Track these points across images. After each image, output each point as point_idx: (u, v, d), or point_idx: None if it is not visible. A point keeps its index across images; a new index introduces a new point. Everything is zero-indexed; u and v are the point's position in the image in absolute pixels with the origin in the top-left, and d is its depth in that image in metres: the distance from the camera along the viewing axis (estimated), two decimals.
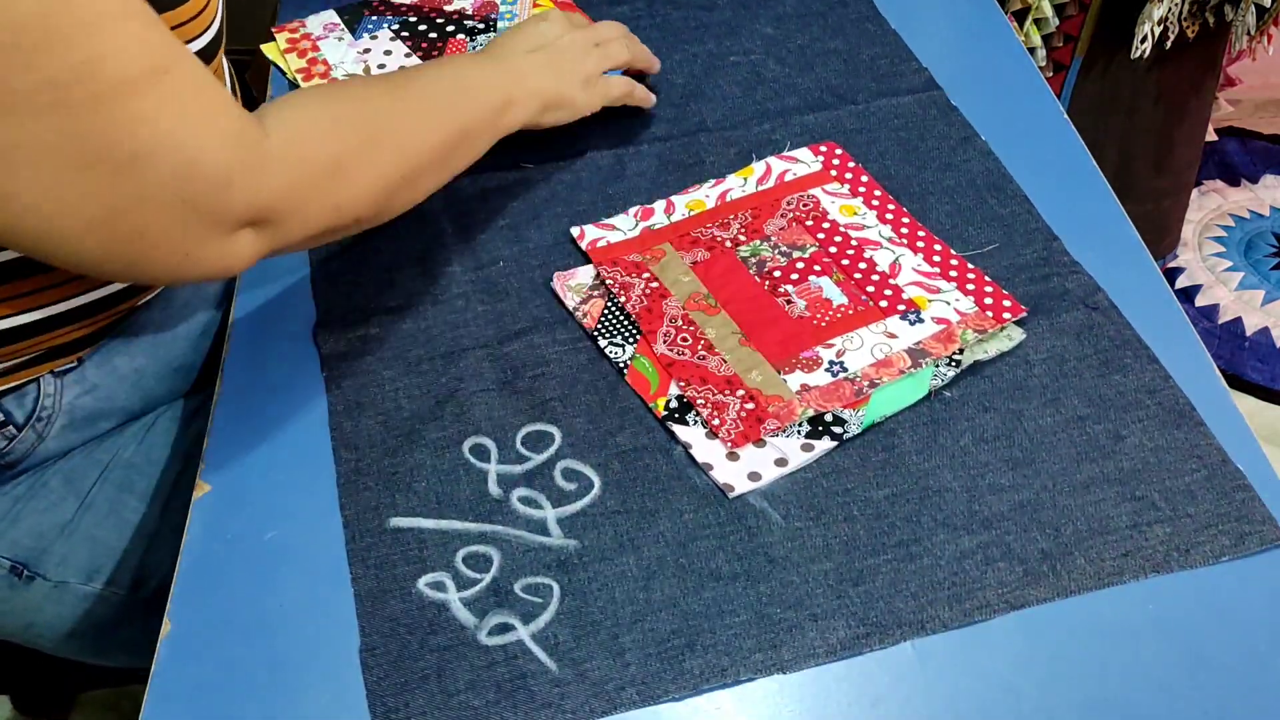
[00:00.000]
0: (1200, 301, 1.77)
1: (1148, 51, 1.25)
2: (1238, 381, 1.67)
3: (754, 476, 0.64)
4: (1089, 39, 1.30)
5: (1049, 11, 1.25)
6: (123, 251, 0.54)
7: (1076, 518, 0.62)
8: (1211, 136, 1.86)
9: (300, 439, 0.67)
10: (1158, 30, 1.24)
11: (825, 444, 0.66)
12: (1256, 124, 2.09)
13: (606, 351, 0.72)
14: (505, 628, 0.58)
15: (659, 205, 0.81)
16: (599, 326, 0.73)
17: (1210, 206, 1.94)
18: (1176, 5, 1.24)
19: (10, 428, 0.72)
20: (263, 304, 0.76)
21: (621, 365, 0.71)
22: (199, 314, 0.81)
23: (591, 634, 0.58)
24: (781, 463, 0.65)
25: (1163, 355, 0.69)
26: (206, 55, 0.66)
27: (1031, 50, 1.28)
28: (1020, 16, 1.26)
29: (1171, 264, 1.83)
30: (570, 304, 0.75)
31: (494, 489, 0.64)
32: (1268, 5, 1.27)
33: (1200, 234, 1.88)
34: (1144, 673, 0.55)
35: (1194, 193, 1.88)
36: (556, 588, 0.60)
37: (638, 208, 0.81)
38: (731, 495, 0.64)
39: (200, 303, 0.81)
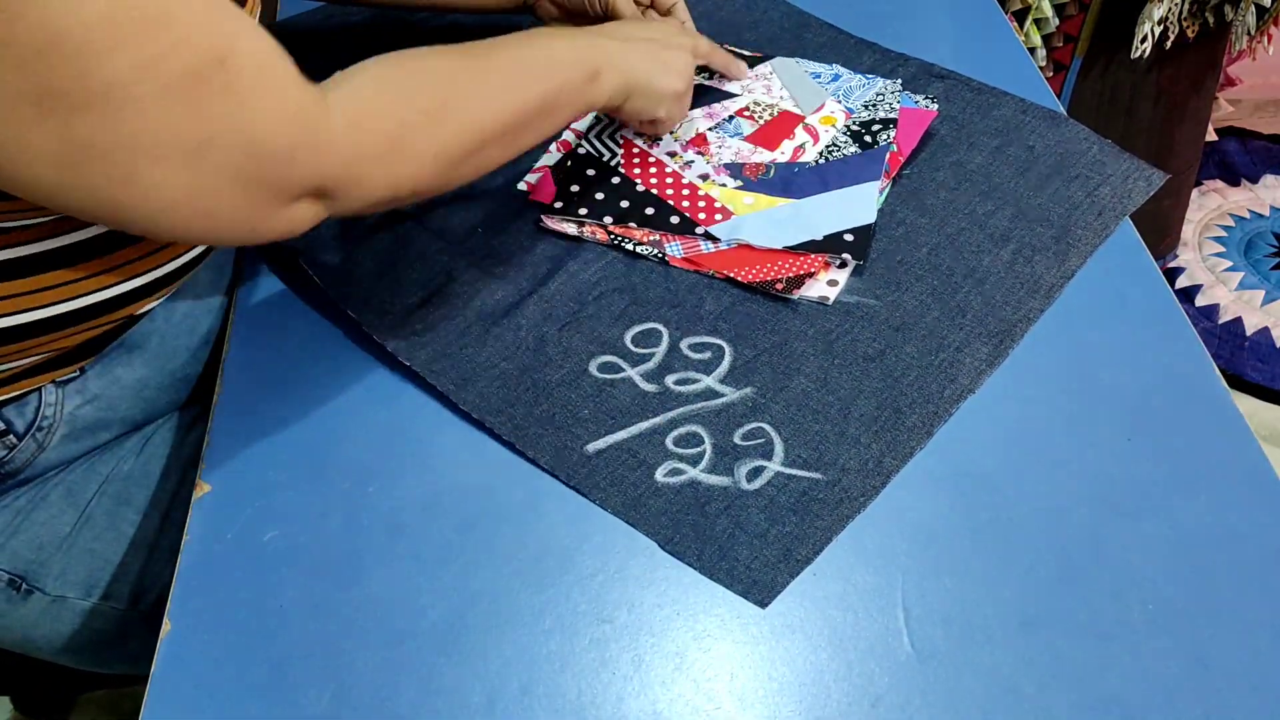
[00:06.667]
0: (1200, 301, 1.77)
1: (1148, 51, 1.25)
2: (1238, 381, 1.67)
3: (832, 283, 0.73)
4: (1089, 39, 1.30)
5: (1049, 11, 1.26)
6: (197, 227, 0.57)
7: (1057, 205, 0.78)
8: (1211, 136, 1.86)
9: (300, 439, 0.67)
10: (1158, 30, 1.24)
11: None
12: (1256, 124, 2.10)
13: (638, 252, 0.76)
14: (758, 471, 0.64)
15: (569, 134, 0.84)
16: (613, 239, 0.76)
17: (1210, 206, 1.94)
18: (1176, 5, 1.24)
19: (10, 436, 0.72)
20: (264, 305, 0.76)
21: (659, 256, 0.75)
22: (202, 323, 0.80)
23: (824, 441, 0.65)
24: (843, 265, 0.74)
25: (1163, 355, 0.69)
26: None
27: (1031, 50, 1.28)
28: (1020, 16, 1.26)
29: (1171, 264, 1.83)
30: (574, 231, 0.77)
31: (646, 385, 0.68)
32: (1268, 5, 1.28)
33: (1200, 234, 1.89)
34: (1144, 673, 0.55)
35: (1194, 193, 1.88)
36: (766, 425, 0.66)
37: (554, 142, 0.84)
38: (829, 304, 0.72)
39: (203, 313, 0.80)
